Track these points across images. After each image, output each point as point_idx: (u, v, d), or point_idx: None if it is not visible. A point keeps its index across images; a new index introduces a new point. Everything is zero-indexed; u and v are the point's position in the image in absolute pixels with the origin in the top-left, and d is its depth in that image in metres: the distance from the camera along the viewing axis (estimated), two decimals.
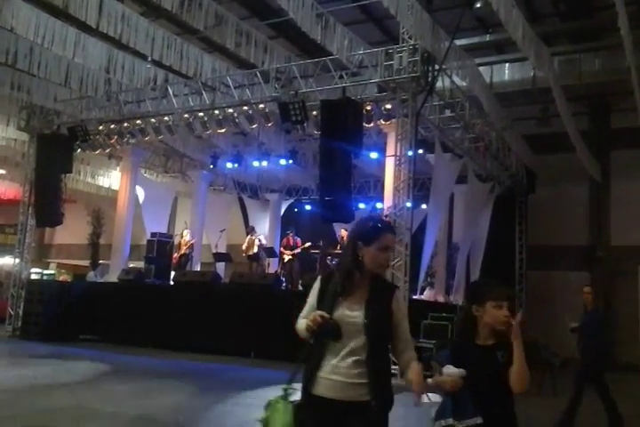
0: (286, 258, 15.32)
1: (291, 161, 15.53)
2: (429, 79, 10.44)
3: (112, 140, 14.18)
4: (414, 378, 2.52)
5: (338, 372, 2.51)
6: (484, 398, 2.54)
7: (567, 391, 9.59)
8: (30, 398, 6.95)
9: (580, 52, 13.45)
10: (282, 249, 15.67)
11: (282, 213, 19.44)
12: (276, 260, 16.38)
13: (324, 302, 2.61)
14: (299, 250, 15.19)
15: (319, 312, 2.50)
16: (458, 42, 11.54)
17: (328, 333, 2.49)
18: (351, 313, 2.55)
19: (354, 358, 2.51)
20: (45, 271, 18.04)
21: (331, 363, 2.53)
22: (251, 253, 16.08)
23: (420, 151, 12.15)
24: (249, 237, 16.41)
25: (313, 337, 2.54)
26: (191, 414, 6.51)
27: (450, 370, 2.54)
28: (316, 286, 2.74)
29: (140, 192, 17.01)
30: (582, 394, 7.01)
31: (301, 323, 2.61)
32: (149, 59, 11.98)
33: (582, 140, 13.52)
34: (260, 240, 16.34)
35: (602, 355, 6.99)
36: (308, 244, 15.14)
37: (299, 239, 15.45)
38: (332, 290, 2.61)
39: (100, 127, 14.04)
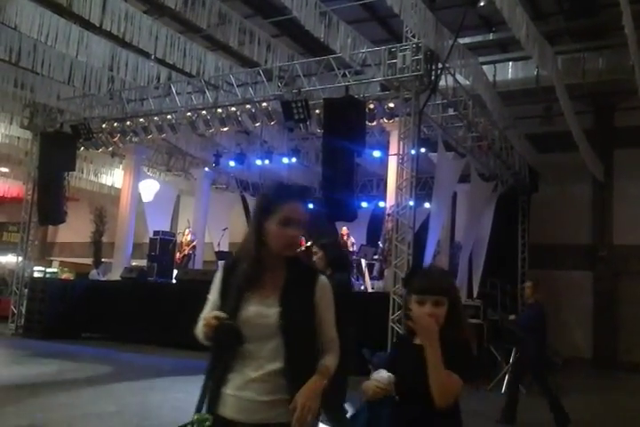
0: None
1: (294, 159, 15.54)
2: (432, 78, 10.42)
3: (115, 139, 14.20)
4: (301, 401, 1.93)
5: (248, 387, 2.01)
6: (412, 409, 2.13)
7: (569, 390, 9.63)
8: (33, 396, 6.96)
9: (584, 51, 13.40)
10: None
11: None
12: None
13: (228, 297, 2.09)
14: (302, 248, 15.16)
15: (214, 313, 2.01)
16: (461, 40, 11.50)
17: (226, 338, 1.99)
18: (263, 310, 2.04)
19: (269, 368, 2.00)
20: (48, 269, 18.09)
21: (240, 376, 2.02)
22: None
23: (423, 150, 12.13)
24: None
25: (214, 344, 2.03)
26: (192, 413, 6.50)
27: (378, 375, 2.17)
28: (218, 277, 2.23)
29: (149, 190, 17.06)
30: (518, 390, 6.99)
31: (200, 327, 2.08)
32: (153, 57, 11.99)
33: (586, 139, 13.50)
34: None
35: (541, 350, 6.92)
36: (309, 243, 15.10)
37: (302, 238, 15.42)
38: (237, 282, 2.10)
39: (104, 125, 14.05)
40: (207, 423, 1.98)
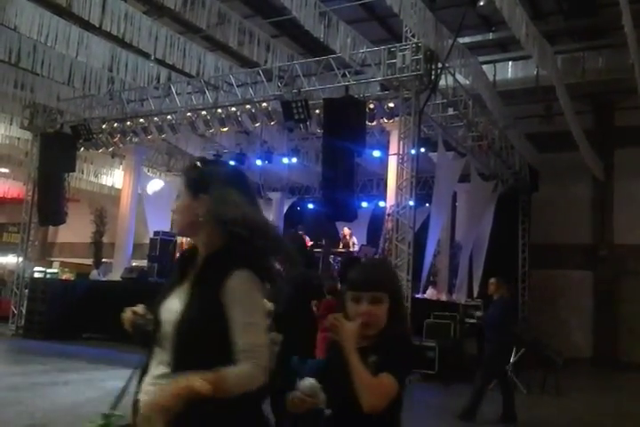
0: None
1: (294, 159, 15.54)
2: (432, 77, 10.43)
3: (115, 139, 14.19)
4: (151, 399, 1.64)
5: (143, 390, 1.80)
6: (344, 420, 1.88)
7: (570, 390, 9.65)
8: (33, 396, 6.96)
9: (584, 51, 13.41)
10: None
11: (284, 211, 19.43)
12: None
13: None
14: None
15: (137, 307, 1.87)
16: (461, 40, 11.51)
17: (137, 336, 1.86)
18: (172, 304, 1.78)
19: (160, 369, 1.77)
20: (48, 270, 18.02)
21: (144, 378, 1.83)
22: None
23: (423, 150, 12.14)
24: None
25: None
26: None
27: (302, 383, 1.85)
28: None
29: (153, 188, 17.09)
30: (510, 387, 6.91)
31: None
32: (152, 57, 11.99)
33: (586, 138, 13.50)
34: None
35: (505, 346, 6.88)
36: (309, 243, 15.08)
37: (307, 238, 15.29)
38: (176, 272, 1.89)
39: (104, 126, 14.05)
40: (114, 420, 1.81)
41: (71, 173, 15.33)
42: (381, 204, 15.17)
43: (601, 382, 12.91)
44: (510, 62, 14.02)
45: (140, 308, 1.84)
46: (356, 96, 11.07)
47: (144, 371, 1.82)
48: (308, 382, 1.83)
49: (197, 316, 1.69)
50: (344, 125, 10.62)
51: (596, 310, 15.85)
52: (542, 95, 13.85)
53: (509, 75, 13.96)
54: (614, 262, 15.88)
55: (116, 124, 13.86)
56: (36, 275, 15.68)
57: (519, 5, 9.47)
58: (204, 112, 12.78)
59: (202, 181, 1.82)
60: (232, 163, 15.88)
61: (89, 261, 21.18)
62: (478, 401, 6.72)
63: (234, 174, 1.90)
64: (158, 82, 12.91)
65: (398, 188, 10.59)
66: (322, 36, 10.39)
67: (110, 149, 15.24)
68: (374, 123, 11.49)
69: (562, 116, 12.78)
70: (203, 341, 1.68)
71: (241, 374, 1.64)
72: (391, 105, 11.13)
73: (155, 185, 17.12)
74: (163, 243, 15.60)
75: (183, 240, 16.09)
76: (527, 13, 9.94)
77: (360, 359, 1.82)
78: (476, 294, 13.99)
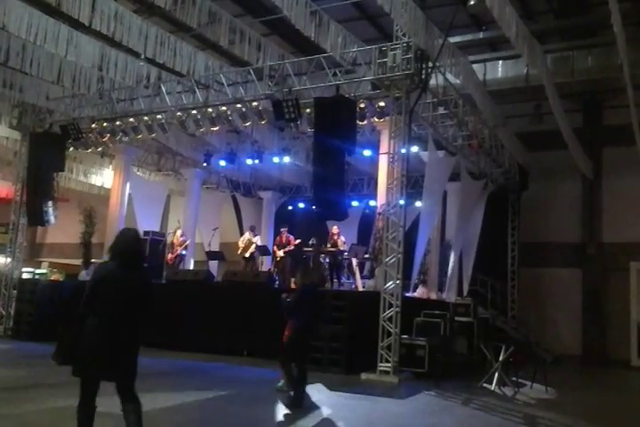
0: (279, 256, 15.23)
1: (285, 159, 15.52)
2: (423, 77, 10.44)
3: (105, 139, 14.11)
4: None
5: None
6: None
7: (558, 385, 9.70)
8: (23, 398, 6.92)
9: (573, 50, 13.49)
10: (275, 248, 15.58)
11: (275, 211, 19.42)
12: (269, 257, 16.35)
13: None
14: (292, 247, 15.11)
15: None
16: (451, 39, 11.54)
17: None
18: None
19: None
20: (37, 271, 17.89)
21: None
22: (247, 254, 15.73)
23: (415, 149, 12.16)
24: (248, 236, 16.06)
25: None
26: (186, 413, 6.49)
27: None
28: None
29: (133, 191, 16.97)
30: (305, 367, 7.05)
31: None
32: (142, 56, 11.93)
33: (575, 137, 13.58)
34: (257, 244, 16.07)
35: (302, 330, 7.12)
36: (297, 241, 15.09)
37: (292, 237, 15.37)
38: None
39: (93, 125, 13.96)
40: None
41: (60, 173, 15.22)
42: (372, 203, 15.20)
43: (590, 379, 12.99)
44: (500, 61, 14.08)
45: None
46: (347, 95, 11.08)
47: None
48: None
49: None
50: (335, 125, 10.61)
51: (584, 307, 15.94)
52: (532, 94, 13.93)
53: (499, 74, 14.02)
54: (602, 260, 15.99)
55: (105, 124, 13.78)
56: (25, 276, 15.57)
57: (509, 4, 9.51)
58: (194, 111, 12.74)
59: None
60: (223, 163, 15.90)
61: (78, 262, 21.05)
62: (296, 387, 6.86)
63: None
64: (148, 81, 12.86)
65: (389, 187, 10.59)
66: (313, 35, 10.39)
67: (100, 149, 15.16)
68: (365, 122, 11.51)
69: (551, 114, 12.85)
70: None
71: None
72: (382, 104, 11.15)
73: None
74: (152, 243, 15.55)
75: (174, 240, 16.06)
76: (517, 12, 9.99)
77: None
78: (465, 292, 14.05)
